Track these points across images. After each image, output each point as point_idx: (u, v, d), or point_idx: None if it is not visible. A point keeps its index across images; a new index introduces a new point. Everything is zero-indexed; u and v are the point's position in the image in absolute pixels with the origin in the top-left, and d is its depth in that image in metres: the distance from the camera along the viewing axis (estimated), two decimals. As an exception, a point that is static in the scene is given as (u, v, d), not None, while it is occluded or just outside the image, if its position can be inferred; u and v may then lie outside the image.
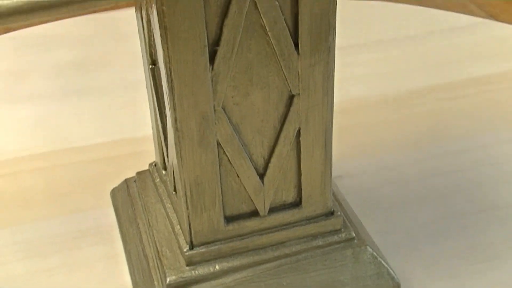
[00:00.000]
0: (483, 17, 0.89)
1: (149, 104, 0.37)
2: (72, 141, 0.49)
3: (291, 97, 0.31)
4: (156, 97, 0.35)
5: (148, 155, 0.42)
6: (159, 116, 0.35)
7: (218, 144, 0.31)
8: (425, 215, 0.42)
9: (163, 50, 0.29)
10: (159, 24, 0.28)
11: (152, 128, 0.38)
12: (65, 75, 0.57)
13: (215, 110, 0.30)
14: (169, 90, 0.30)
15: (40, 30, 0.63)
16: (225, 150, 0.32)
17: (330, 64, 0.31)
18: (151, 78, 0.35)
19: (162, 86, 0.34)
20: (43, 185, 0.45)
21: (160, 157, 0.38)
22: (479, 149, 0.47)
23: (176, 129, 0.30)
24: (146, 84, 0.36)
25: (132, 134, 0.49)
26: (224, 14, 0.28)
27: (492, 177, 0.44)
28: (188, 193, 0.32)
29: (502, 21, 0.66)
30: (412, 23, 0.62)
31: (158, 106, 0.35)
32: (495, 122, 0.50)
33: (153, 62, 0.34)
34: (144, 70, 0.36)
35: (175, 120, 0.30)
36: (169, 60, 0.29)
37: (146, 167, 0.41)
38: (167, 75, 0.29)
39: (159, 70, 0.34)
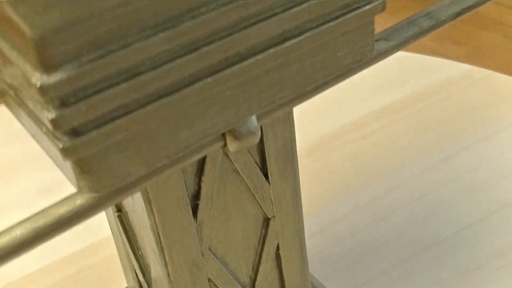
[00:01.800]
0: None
1: (115, 239, 0.38)
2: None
3: (267, 220, 0.33)
4: (128, 239, 0.35)
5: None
6: (134, 257, 0.36)
7: (209, 280, 0.33)
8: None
9: (149, 219, 0.29)
10: (143, 199, 0.29)
11: (120, 256, 0.39)
12: None
13: (203, 254, 0.32)
14: (159, 250, 0.30)
15: None
16: (215, 283, 0.33)
17: (297, 183, 0.33)
18: (118, 223, 0.35)
19: (132, 230, 0.35)
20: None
21: (134, 282, 0.39)
22: (403, 185, 0.51)
23: (169, 281, 0.31)
24: (111, 227, 0.37)
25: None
26: (200, 172, 0.29)
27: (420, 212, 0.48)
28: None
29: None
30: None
31: (131, 247, 0.36)
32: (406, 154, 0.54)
33: (119, 209, 0.35)
34: (107, 214, 0.36)
35: (167, 274, 0.31)
36: (156, 226, 0.29)
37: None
38: (156, 238, 0.30)
39: (127, 215, 0.35)
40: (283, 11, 0.25)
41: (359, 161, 0.52)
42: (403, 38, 0.29)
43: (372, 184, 0.50)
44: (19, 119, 0.26)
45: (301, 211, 0.34)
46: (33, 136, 0.26)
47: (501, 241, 0.45)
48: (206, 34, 0.23)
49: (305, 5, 0.25)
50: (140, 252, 0.35)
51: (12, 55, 0.22)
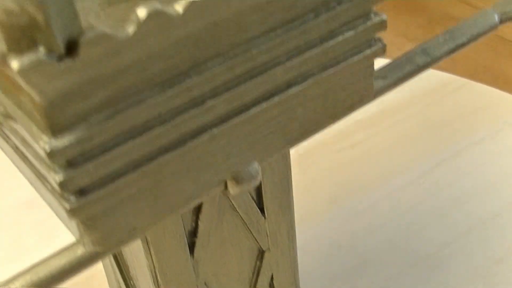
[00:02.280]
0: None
1: (104, 264, 0.37)
2: None
3: (262, 253, 0.33)
4: (119, 268, 0.35)
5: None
6: (125, 286, 0.35)
7: (205, 313, 0.33)
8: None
9: (146, 259, 0.29)
10: (140, 239, 0.28)
11: (110, 282, 0.38)
12: None
13: (198, 288, 0.32)
14: (155, 286, 0.30)
15: None
16: (211, 316, 0.33)
17: (292, 216, 0.33)
18: (115, 264, 0.35)
19: (124, 261, 0.34)
20: None
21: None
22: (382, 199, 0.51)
23: (166, 317, 0.31)
24: (103, 263, 0.37)
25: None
26: (198, 210, 0.29)
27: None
28: None
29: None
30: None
31: (122, 276, 0.35)
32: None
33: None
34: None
35: (165, 311, 0.31)
36: (153, 265, 0.29)
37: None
38: (153, 276, 0.30)
39: (122, 255, 0.35)
40: (288, 59, 0.24)
41: (347, 170, 0.53)
42: (400, 76, 0.30)
43: (361, 195, 0.50)
44: (13, 160, 0.26)
45: (295, 242, 0.34)
46: (31, 183, 0.25)
47: (497, 248, 0.45)
48: (212, 87, 0.23)
49: (308, 53, 0.25)
50: (132, 282, 0.35)
51: (16, 113, 0.21)
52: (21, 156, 0.24)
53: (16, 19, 0.18)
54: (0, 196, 0.53)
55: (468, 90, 0.58)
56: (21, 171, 0.26)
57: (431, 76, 0.60)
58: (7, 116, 0.23)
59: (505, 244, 0.46)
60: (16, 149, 0.25)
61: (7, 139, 0.25)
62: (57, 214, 0.24)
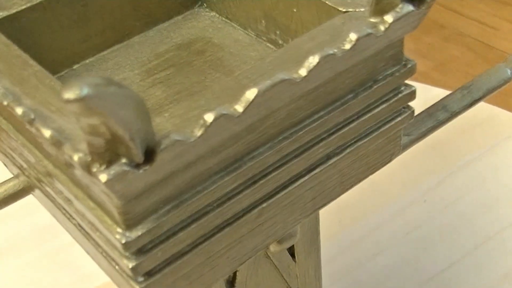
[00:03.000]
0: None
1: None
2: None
3: (292, 292, 0.35)
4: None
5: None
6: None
7: None
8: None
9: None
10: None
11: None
12: None
13: (234, 330, 0.34)
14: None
15: None
16: None
17: (319, 258, 0.35)
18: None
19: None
20: None
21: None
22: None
23: None
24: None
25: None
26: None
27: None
28: None
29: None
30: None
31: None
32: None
33: None
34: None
35: None
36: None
37: None
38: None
39: None
40: (328, 136, 0.26)
41: (350, 193, 0.54)
42: (424, 131, 0.32)
43: (366, 217, 0.52)
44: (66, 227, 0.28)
45: (321, 279, 0.36)
46: (87, 252, 0.27)
47: (502, 263, 0.48)
48: (263, 169, 0.25)
49: (346, 128, 0.27)
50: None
51: (86, 202, 0.23)
52: (82, 232, 0.26)
53: (102, 137, 0.20)
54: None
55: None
56: (77, 241, 0.27)
57: (427, 92, 0.62)
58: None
59: (509, 259, 0.48)
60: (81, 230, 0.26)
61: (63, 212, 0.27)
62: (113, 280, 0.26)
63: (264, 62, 0.24)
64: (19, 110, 0.23)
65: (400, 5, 0.25)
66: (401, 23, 0.25)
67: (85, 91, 0.17)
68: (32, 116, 0.23)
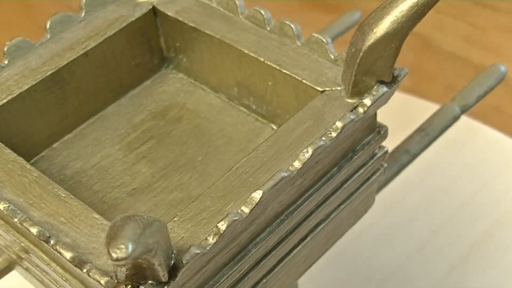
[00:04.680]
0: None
1: None
2: None
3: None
4: None
5: None
6: None
7: None
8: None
9: None
10: None
11: None
12: None
13: None
14: None
15: None
16: None
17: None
18: None
19: None
20: None
21: None
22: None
23: None
24: None
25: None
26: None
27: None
28: None
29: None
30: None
31: None
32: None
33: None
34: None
35: None
36: None
37: None
38: None
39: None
40: (317, 208, 0.28)
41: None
42: (390, 176, 0.34)
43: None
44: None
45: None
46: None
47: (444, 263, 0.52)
48: (265, 252, 0.27)
49: (332, 197, 0.29)
50: None
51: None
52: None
53: (131, 264, 0.21)
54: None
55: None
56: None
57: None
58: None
59: (456, 250, 0.53)
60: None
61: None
62: None
63: (258, 153, 0.26)
64: (33, 230, 0.24)
65: (375, 87, 0.27)
66: (377, 103, 0.27)
67: (131, 247, 0.18)
68: (48, 234, 0.24)
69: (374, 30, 0.26)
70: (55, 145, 0.32)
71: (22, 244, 0.26)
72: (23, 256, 0.27)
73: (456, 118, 0.36)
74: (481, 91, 0.37)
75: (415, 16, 0.26)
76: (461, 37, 0.88)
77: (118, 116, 0.33)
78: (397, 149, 0.35)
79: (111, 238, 0.19)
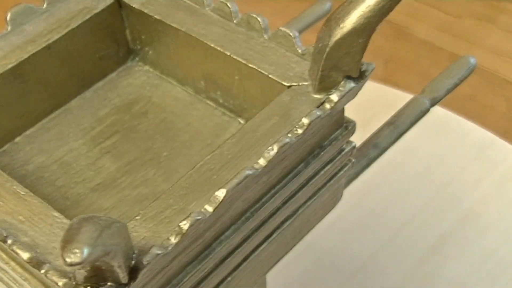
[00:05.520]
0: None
1: None
2: None
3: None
4: None
5: None
6: None
7: None
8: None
9: None
10: None
11: None
12: None
13: None
14: None
15: None
16: None
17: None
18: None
19: None
20: None
21: None
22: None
23: None
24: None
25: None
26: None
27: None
28: None
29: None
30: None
31: None
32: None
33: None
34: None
35: None
36: None
37: None
38: None
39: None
40: (283, 204, 0.28)
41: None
42: (358, 170, 0.34)
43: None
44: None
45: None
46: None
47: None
48: (230, 250, 0.26)
49: (299, 193, 0.28)
50: None
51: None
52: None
53: (90, 267, 0.20)
54: None
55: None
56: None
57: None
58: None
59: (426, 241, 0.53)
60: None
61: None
62: None
63: (223, 150, 0.26)
64: (-11, 229, 0.23)
65: (343, 82, 0.27)
66: (344, 99, 0.27)
67: (86, 252, 0.18)
68: (5, 234, 0.23)
69: (341, 25, 0.25)
70: (17, 139, 0.31)
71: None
72: None
73: (425, 112, 0.36)
74: (451, 84, 0.37)
75: (383, 11, 0.25)
76: (436, 25, 0.88)
77: (82, 110, 0.32)
78: (365, 143, 0.35)
79: (66, 242, 0.18)
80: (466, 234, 0.54)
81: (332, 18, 0.26)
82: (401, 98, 0.61)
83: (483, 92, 0.82)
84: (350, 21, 0.25)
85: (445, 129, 0.60)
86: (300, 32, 0.42)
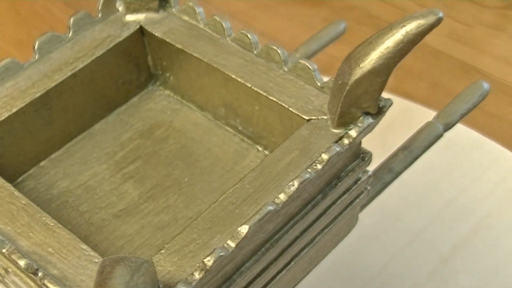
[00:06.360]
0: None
1: None
2: None
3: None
4: None
5: None
6: None
7: None
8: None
9: None
10: None
11: None
12: None
13: None
14: None
15: None
16: None
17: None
18: None
19: None
20: None
21: None
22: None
23: None
24: None
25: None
26: None
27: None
28: None
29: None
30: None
31: None
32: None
33: None
34: None
35: None
36: None
37: None
38: None
39: None
40: (302, 234, 0.29)
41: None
42: (373, 195, 0.35)
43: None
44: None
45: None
46: None
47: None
48: (250, 280, 0.27)
49: (316, 223, 0.29)
50: None
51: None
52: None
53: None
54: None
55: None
56: None
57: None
58: None
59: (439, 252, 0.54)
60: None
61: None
62: None
63: (244, 184, 0.26)
64: (21, 262, 0.24)
65: (361, 118, 0.28)
66: (362, 134, 0.28)
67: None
68: (35, 267, 0.24)
69: (361, 65, 0.26)
70: (42, 163, 0.32)
71: (10, 270, 0.26)
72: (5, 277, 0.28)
73: (439, 136, 0.37)
74: (464, 109, 0.38)
75: (401, 52, 0.26)
76: (446, 33, 0.88)
77: (105, 134, 0.33)
78: (380, 168, 0.35)
79: (100, 286, 0.19)
80: (477, 246, 0.54)
81: (352, 57, 0.27)
82: (410, 108, 0.62)
83: (492, 102, 0.83)
84: (370, 61, 0.26)
85: (454, 141, 0.61)
86: (315, 53, 0.43)
